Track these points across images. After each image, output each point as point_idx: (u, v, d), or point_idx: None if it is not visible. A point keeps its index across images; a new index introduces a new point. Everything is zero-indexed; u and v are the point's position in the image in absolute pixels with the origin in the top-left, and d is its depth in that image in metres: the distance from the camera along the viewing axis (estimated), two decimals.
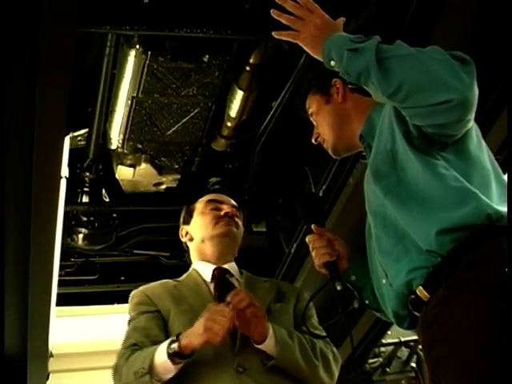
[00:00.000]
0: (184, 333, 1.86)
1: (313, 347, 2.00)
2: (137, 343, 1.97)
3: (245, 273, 2.23)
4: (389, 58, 1.54)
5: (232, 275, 2.18)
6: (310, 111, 2.00)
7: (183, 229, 2.31)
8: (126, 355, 1.94)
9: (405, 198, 1.65)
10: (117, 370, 1.96)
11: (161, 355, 1.85)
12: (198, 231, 2.24)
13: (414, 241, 1.61)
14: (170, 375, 1.87)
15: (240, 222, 2.27)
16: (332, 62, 1.62)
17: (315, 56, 1.68)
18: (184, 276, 2.22)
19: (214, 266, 2.17)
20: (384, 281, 1.71)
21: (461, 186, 1.58)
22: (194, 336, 1.84)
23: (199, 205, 2.30)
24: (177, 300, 2.06)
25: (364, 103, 1.87)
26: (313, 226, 1.90)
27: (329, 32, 1.64)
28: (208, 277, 2.15)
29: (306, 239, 1.91)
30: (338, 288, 1.79)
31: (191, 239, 2.27)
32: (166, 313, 2.04)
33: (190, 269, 2.24)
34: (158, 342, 1.92)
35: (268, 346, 1.91)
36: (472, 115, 1.60)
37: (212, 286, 2.13)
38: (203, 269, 2.19)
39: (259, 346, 1.91)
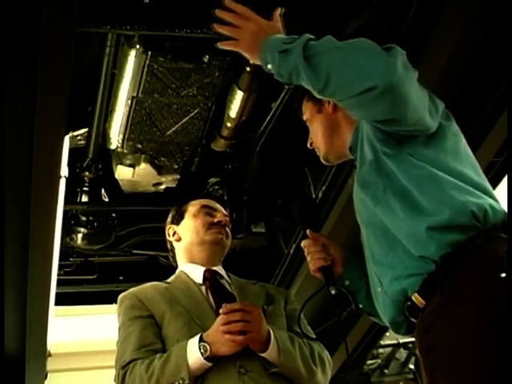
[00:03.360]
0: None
1: (311, 352, 2.01)
2: (137, 358, 1.94)
3: (232, 275, 2.23)
4: (315, 55, 1.55)
5: (222, 277, 2.19)
6: (304, 117, 2.00)
7: (171, 228, 2.30)
8: (143, 365, 1.90)
9: (393, 204, 1.65)
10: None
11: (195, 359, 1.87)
12: (188, 233, 2.24)
13: (406, 248, 1.61)
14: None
15: (229, 233, 2.28)
16: (269, 66, 1.62)
17: (256, 62, 1.68)
18: (173, 278, 2.21)
19: (203, 268, 2.17)
20: (379, 289, 1.72)
21: (437, 188, 1.59)
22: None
23: (192, 207, 2.29)
24: (170, 303, 2.05)
25: None
26: (308, 231, 1.92)
27: (265, 36, 1.64)
28: (198, 279, 2.15)
29: (302, 244, 1.93)
30: (333, 292, 1.82)
31: (178, 240, 2.27)
32: (160, 317, 2.02)
33: (178, 270, 2.24)
34: (154, 350, 1.94)
35: (270, 354, 1.91)
36: (418, 107, 1.59)
37: (203, 288, 2.12)
38: (192, 271, 2.18)
39: (262, 354, 1.91)
